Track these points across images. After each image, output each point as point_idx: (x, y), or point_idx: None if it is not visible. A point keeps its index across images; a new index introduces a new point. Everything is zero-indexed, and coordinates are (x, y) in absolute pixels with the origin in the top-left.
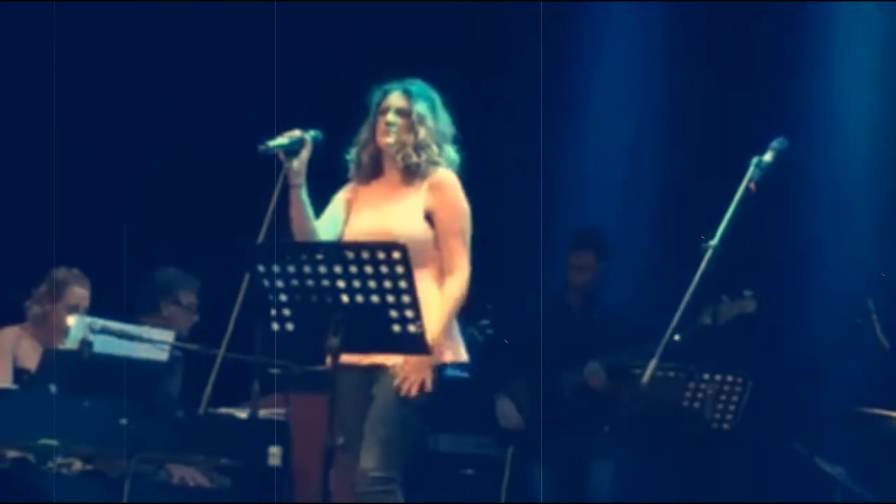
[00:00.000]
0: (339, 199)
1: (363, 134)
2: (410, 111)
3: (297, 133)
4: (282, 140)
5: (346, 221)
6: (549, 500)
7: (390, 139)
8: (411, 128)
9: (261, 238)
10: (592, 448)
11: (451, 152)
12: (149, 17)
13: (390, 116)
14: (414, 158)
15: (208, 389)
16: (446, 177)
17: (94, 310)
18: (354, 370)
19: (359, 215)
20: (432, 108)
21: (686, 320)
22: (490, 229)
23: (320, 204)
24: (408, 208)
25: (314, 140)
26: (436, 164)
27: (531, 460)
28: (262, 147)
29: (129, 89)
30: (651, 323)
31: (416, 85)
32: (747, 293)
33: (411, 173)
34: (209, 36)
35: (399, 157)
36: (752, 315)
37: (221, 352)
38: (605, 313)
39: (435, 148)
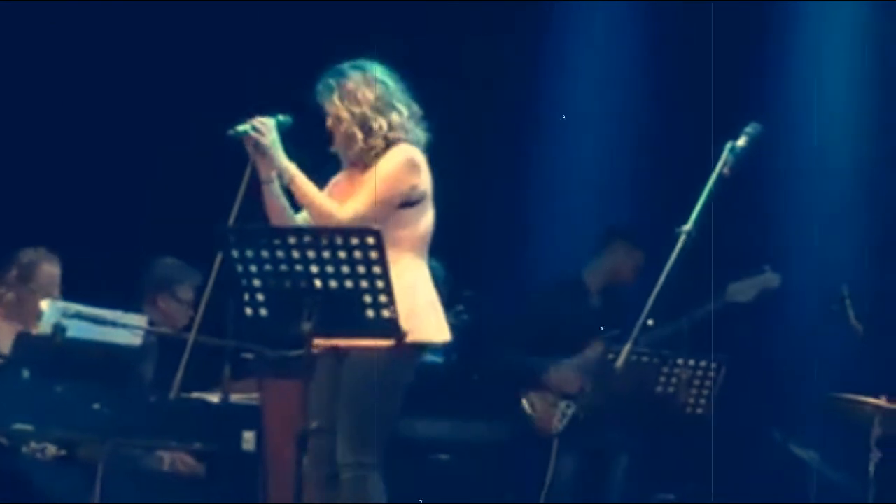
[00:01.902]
0: (329, 185)
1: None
2: (329, 111)
3: (262, 119)
4: (246, 126)
5: None
6: (571, 491)
7: (338, 149)
8: (336, 126)
9: (231, 222)
10: (614, 441)
11: (394, 119)
12: (125, 3)
13: (330, 124)
14: (349, 154)
15: (180, 374)
16: (390, 153)
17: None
18: (327, 354)
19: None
20: (347, 95)
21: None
22: (466, 216)
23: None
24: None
25: (281, 125)
26: (377, 148)
27: (561, 451)
28: (230, 132)
29: (103, 74)
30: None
31: (328, 76)
32: (766, 267)
33: (364, 164)
34: (190, 28)
35: (350, 158)
36: (776, 290)
37: (192, 336)
38: (623, 300)
39: (361, 134)
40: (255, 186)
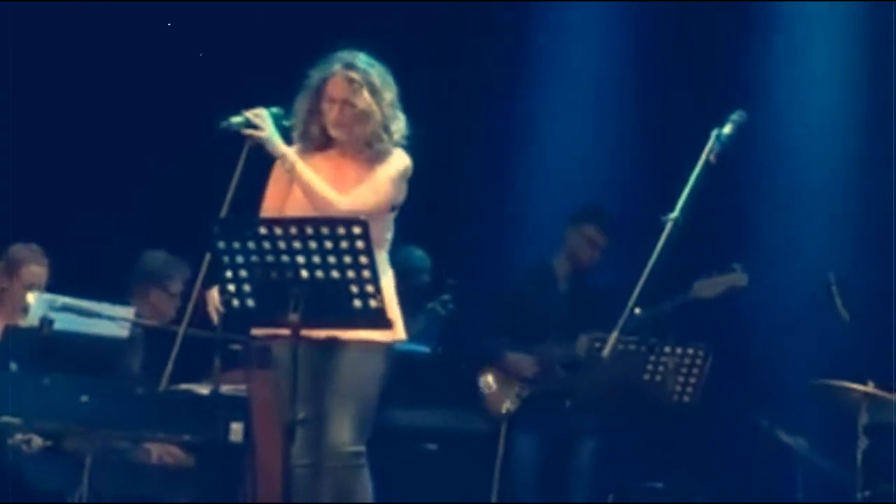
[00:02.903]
0: (281, 176)
1: (305, 105)
2: (355, 103)
3: (256, 110)
4: (239, 118)
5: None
6: (534, 475)
7: (341, 134)
8: (358, 121)
9: (223, 214)
10: (580, 425)
11: (401, 125)
12: None
13: (337, 111)
14: (367, 152)
15: (169, 366)
16: (396, 156)
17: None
18: (310, 343)
19: None
20: (376, 93)
21: (665, 299)
22: (449, 205)
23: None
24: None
25: (274, 117)
26: (388, 150)
27: (518, 434)
28: (223, 124)
29: (94, 67)
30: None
31: (359, 67)
32: (736, 266)
33: (361, 157)
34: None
35: (349, 148)
36: (743, 288)
37: (182, 328)
38: (592, 287)
39: (384, 135)
40: (248, 178)
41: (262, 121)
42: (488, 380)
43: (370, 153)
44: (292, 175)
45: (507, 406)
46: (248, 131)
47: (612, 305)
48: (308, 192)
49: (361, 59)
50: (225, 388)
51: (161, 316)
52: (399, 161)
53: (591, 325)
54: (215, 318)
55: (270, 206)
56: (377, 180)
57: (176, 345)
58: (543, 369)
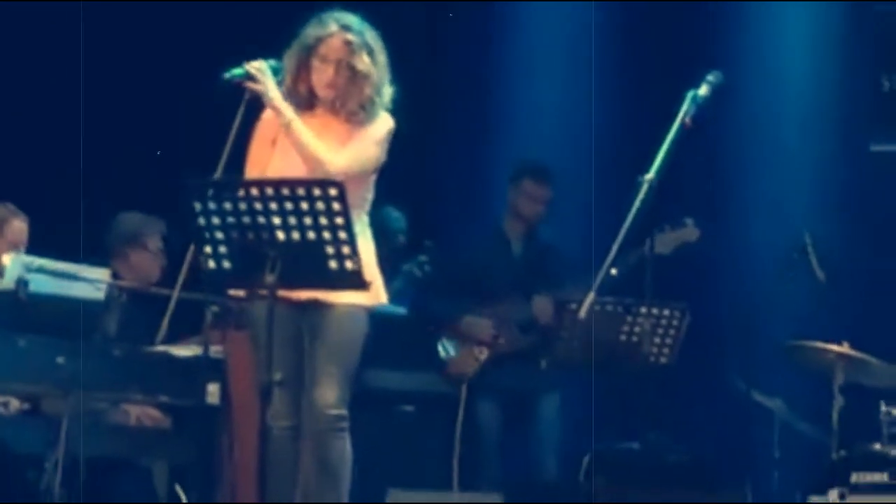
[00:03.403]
0: (264, 139)
1: (295, 62)
2: (353, 66)
3: (255, 63)
4: (240, 70)
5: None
6: (498, 436)
7: (333, 94)
8: (355, 84)
9: (219, 173)
10: (539, 382)
11: (391, 89)
12: None
13: (332, 71)
14: (360, 115)
15: (164, 326)
16: (383, 119)
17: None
18: (291, 305)
19: (291, 151)
20: (373, 55)
21: (624, 253)
22: (426, 166)
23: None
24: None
25: (273, 69)
26: (376, 113)
27: (479, 396)
28: (225, 75)
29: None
30: (589, 256)
31: (355, 29)
32: (688, 220)
33: (349, 120)
34: None
35: (341, 109)
36: (694, 243)
37: (177, 290)
38: (545, 246)
39: (377, 98)
40: (245, 136)
41: (263, 74)
42: (446, 344)
43: (362, 115)
44: (287, 132)
45: (466, 370)
46: (249, 84)
47: (562, 261)
48: (302, 150)
49: (356, 21)
50: (199, 350)
51: (145, 275)
52: (385, 123)
53: (546, 285)
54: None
55: (253, 168)
56: (366, 142)
57: (170, 306)
58: (500, 332)
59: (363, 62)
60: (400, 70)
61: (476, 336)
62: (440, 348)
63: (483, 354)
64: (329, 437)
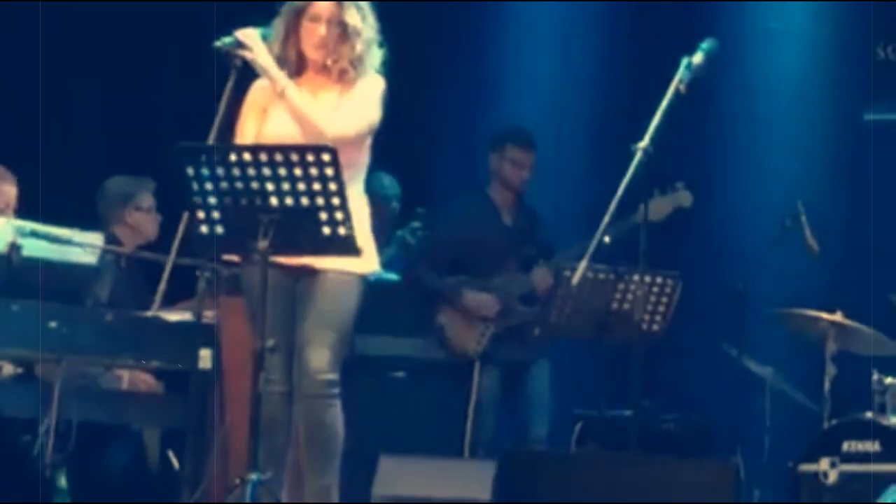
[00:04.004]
0: (254, 108)
1: (283, 26)
2: (343, 22)
3: (245, 30)
4: (230, 38)
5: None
6: (497, 406)
7: (322, 55)
8: (346, 41)
9: (211, 140)
10: (533, 351)
11: (378, 53)
12: None
13: (322, 29)
14: (350, 73)
15: (161, 290)
16: (373, 79)
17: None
18: (284, 271)
19: (283, 118)
20: (362, 12)
21: (616, 220)
22: (419, 132)
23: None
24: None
25: (264, 37)
26: (366, 73)
27: (482, 371)
28: (216, 44)
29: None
30: (583, 224)
31: None
32: (679, 185)
33: (340, 80)
34: None
35: (333, 68)
36: (687, 210)
37: (172, 255)
38: (533, 213)
39: (367, 57)
40: (236, 104)
41: (253, 41)
42: (447, 320)
43: (352, 75)
44: (283, 98)
45: (473, 346)
46: (241, 52)
47: (546, 228)
48: (298, 116)
49: None
50: (190, 316)
51: (144, 235)
52: (377, 83)
53: (539, 254)
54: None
55: (243, 138)
56: (360, 104)
57: (166, 271)
58: (503, 306)
59: (353, 17)
60: (394, 38)
61: (481, 313)
62: (440, 324)
63: (490, 330)
64: (320, 402)
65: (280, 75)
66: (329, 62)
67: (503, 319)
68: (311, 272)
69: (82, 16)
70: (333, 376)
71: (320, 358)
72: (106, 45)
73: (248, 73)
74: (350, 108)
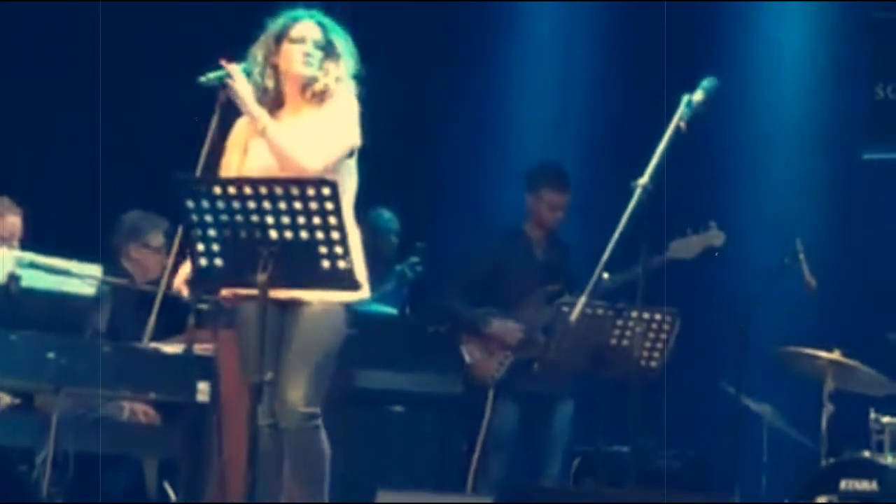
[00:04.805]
0: (236, 146)
1: (261, 52)
2: (329, 44)
3: (231, 66)
4: (219, 73)
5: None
6: (512, 439)
7: (311, 71)
8: (332, 60)
9: (197, 173)
10: (558, 386)
11: (352, 74)
12: None
13: (308, 48)
14: (331, 92)
15: (151, 323)
16: (344, 97)
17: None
18: (274, 305)
19: (263, 151)
20: (340, 35)
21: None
22: (418, 168)
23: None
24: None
25: (246, 73)
26: (333, 92)
27: (499, 400)
28: (202, 79)
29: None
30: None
31: (324, 17)
32: (712, 224)
33: (317, 101)
34: None
35: (315, 87)
36: (720, 248)
37: (162, 286)
38: (565, 248)
39: (346, 78)
40: (223, 137)
41: (237, 75)
42: (468, 348)
43: (330, 93)
44: (264, 138)
45: (492, 374)
46: (227, 84)
47: (577, 263)
48: (279, 155)
49: (318, 10)
50: (198, 348)
51: (147, 272)
52: (352, 105)
53: (566, 288)
54: (184, 291)
55: (230, 171)
56: (337, 132)
57: (156, 303)
58: (526, 335)
59: (335, 38)
60: (394, 71)
61: (503, 339)
62: (464, 352)
63: (509, 358)
64: (300, 435)
65: (261, 114)
66: (313, 81)
67: (523, 349)
68: (297, 303)
69: (86, 43)
70: (312, 409)
71: (296, 392)
72: (114, 75)
73: (233, 109)
74: (328, 139)
